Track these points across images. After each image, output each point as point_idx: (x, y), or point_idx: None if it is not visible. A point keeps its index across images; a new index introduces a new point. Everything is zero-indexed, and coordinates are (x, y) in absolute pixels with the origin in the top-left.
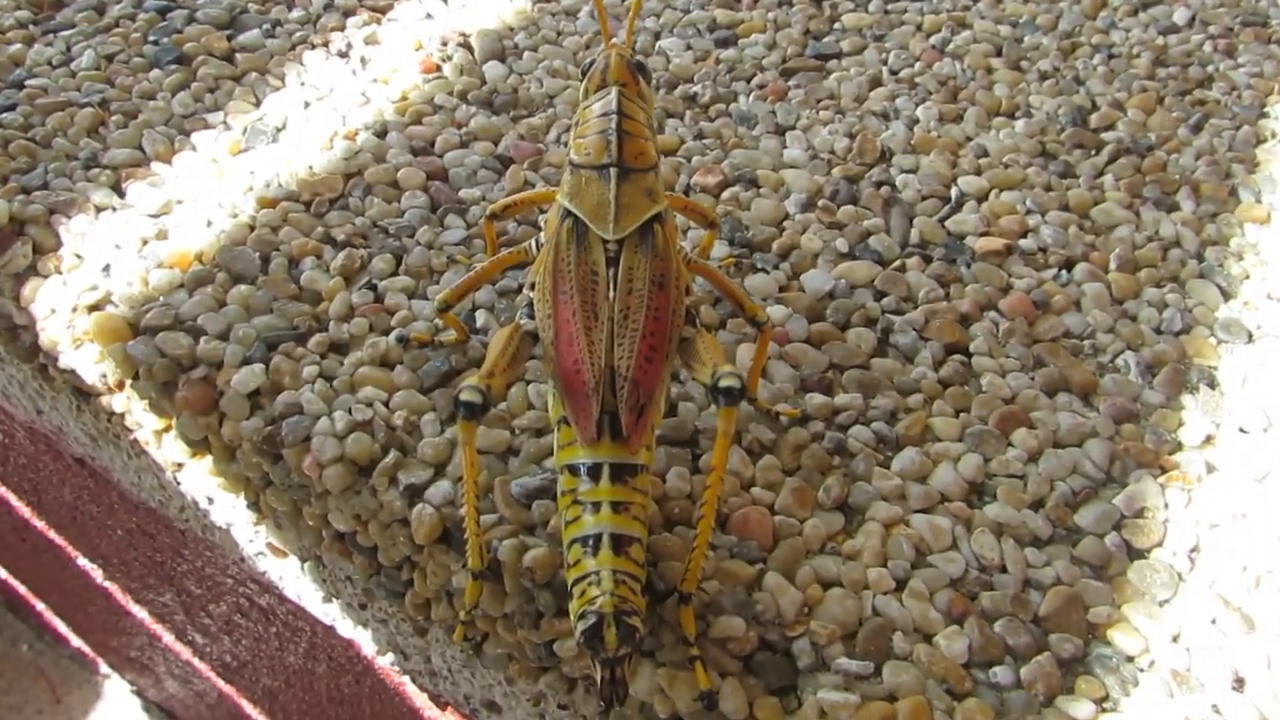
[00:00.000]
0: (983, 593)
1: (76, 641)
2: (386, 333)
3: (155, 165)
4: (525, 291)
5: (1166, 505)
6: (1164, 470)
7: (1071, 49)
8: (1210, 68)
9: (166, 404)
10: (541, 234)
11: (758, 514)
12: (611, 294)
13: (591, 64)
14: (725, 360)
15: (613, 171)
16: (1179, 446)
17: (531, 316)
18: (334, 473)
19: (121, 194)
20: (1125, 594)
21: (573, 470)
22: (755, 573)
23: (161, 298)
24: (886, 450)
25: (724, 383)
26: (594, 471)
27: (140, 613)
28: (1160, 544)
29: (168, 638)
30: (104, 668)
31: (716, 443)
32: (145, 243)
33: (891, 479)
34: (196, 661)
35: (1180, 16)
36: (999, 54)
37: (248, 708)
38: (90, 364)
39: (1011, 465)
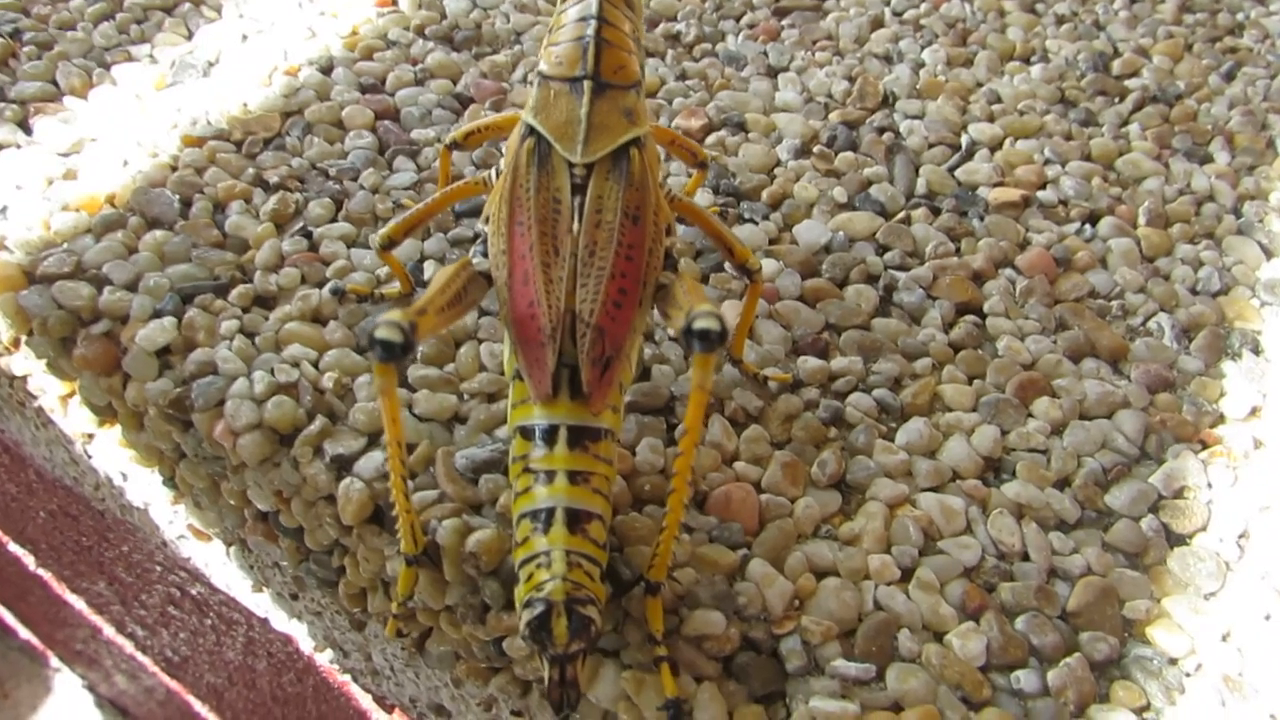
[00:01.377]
0: (1002, 584)
1: (25, 633)
2: (320, 285)
3: (69, 100)
4: (479, 225)
5: (1210, 484)
6: (1205, 445)
7: None
8: (1240, 15)
9: (65, 364)
10: (502, 161)
11: (741, 492)
12: (576, 226)
13: None
14: (704, 298)
15: (586, 85)
16: (1221, 418)
17: (485, 254)
18: (250, 441)
19: (28, 130)
20: (1165, 586)
21: (525, 433)
22: (738, 560)
23: (64, 243)
24: (890, 421)
25: (700, 324)
26: (549, 435)
27: (78, 602)
28: (1204, 528)
29: (108, 629)
30: (54, 661)
31: (690, 397)
32: (50, 183)
33: (896, 453)
34: (140, 655)
35: None
36: None
37: (196, 705)
38: None
39: (1033, 439)
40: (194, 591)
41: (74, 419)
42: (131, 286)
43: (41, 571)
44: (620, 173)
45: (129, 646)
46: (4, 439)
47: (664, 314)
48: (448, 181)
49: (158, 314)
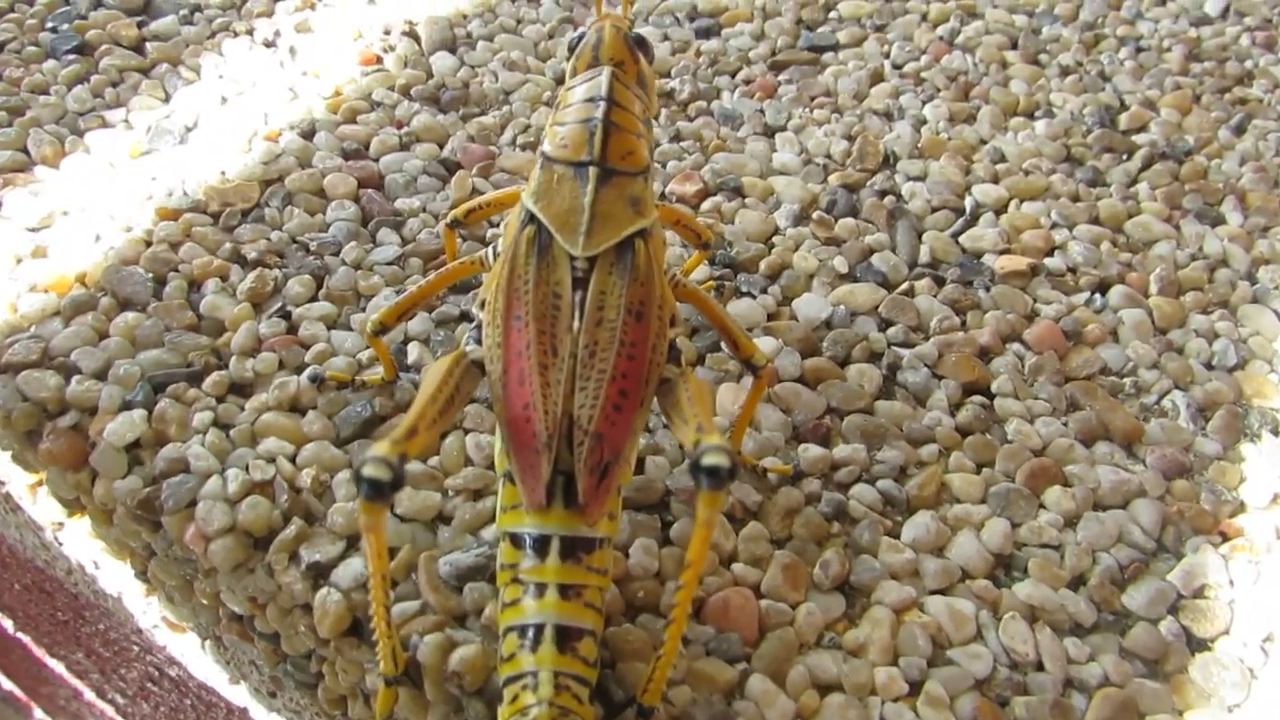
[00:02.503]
0: (1016, 698)
1: (8, 684)
2: (299, 370)
3: (40, 170)
4: (474, 310)
5: (1231, 582)
6: (1225, 537)
7: (1095, 42)
8: (1249, 63)
9: (31, 457)
10: (500, 241)
11: (740, 598)
12: (576, 324)
13: (581, 38)
14: (714, 420)
15: (592, 171)
16: (1241, 507)
17: (479, 342)
18: (222, 547)
19: None
20: (1188, 697)
21: (515, 540)
22: (736, 675)
23: (31, 327)
24: (895, 514)
25: (709, 460)
26: (540, 545)
27: (58, 666)
28: (1226, 632)
29: (89, 694)
30: (39, 713)
31: (695, 532)
32: (18, 261)
33: (902, 551)
34: None
35: (1213, 6)
36: (1014, 47)
37: None
38: None
39: (1045, 533)
40: (172, 673)
41: (43, 507)
42: (101, 375)
43: (21, 635)
44: (624, 267)
45: (110, 711)
46: None
47: (667, 416)
48: (454, 257)
49: (128, 405)
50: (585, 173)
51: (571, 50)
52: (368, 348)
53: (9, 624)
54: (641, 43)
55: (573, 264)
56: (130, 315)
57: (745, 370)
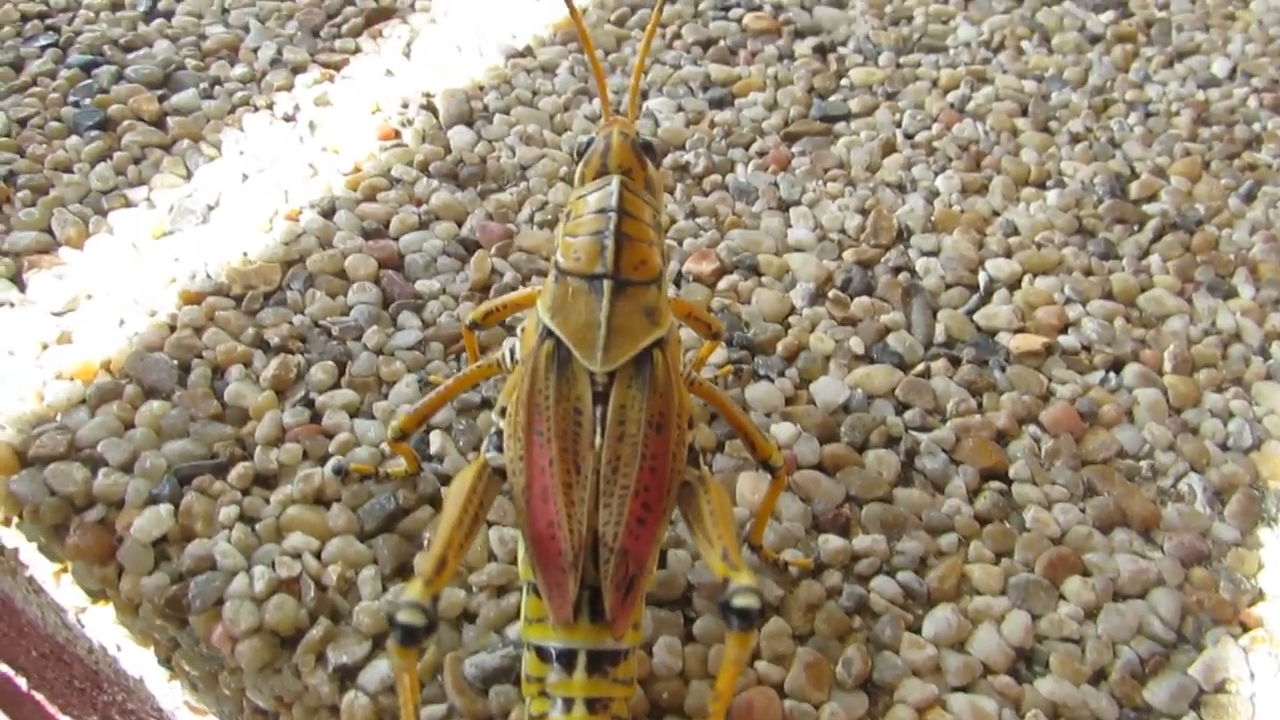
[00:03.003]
0: None
1: None
2: (323, 461)
3: (64, 251)
4: (494, 417)
5: (1252, 675)
6: (1245, 628)
7: (1104, 106)
8: (1257, 126)
9: (57, 549)
10: (517, 343)
11: (764, 699)
12: (598, 440)
13: (589, 144)
14: (739, 546)
15: (606, 285)
16: (1260, 596)
17: (499, 449)
18: (249, 647)
19: (22, 287)
20: None
21: (541, 654)
22: None
23: (58, 416)
24: (916, 608)
25: (739, 602)
26: (567, 659)
27: None
28: None
29: None
30: None
31: (723, 670)
32: (44, 348)
33: (924, 648)
34: None
35: (1220, 68)
36: (1024, 113)
37: None
38: None
39: (1065, 625)
40: None
41: (66, 592)
42: (127, 467)
43: (36, 694)
44: (643, 379)
45: None
46: None
47: (688, 527)
48: (477, 357)
49: (154, 499)
50: (600, 286)
51: (580, 155)
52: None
53: (23, 682)
54: (649, 148)
55: (592, 379)
56: (156, 404)
57: (764, 470)
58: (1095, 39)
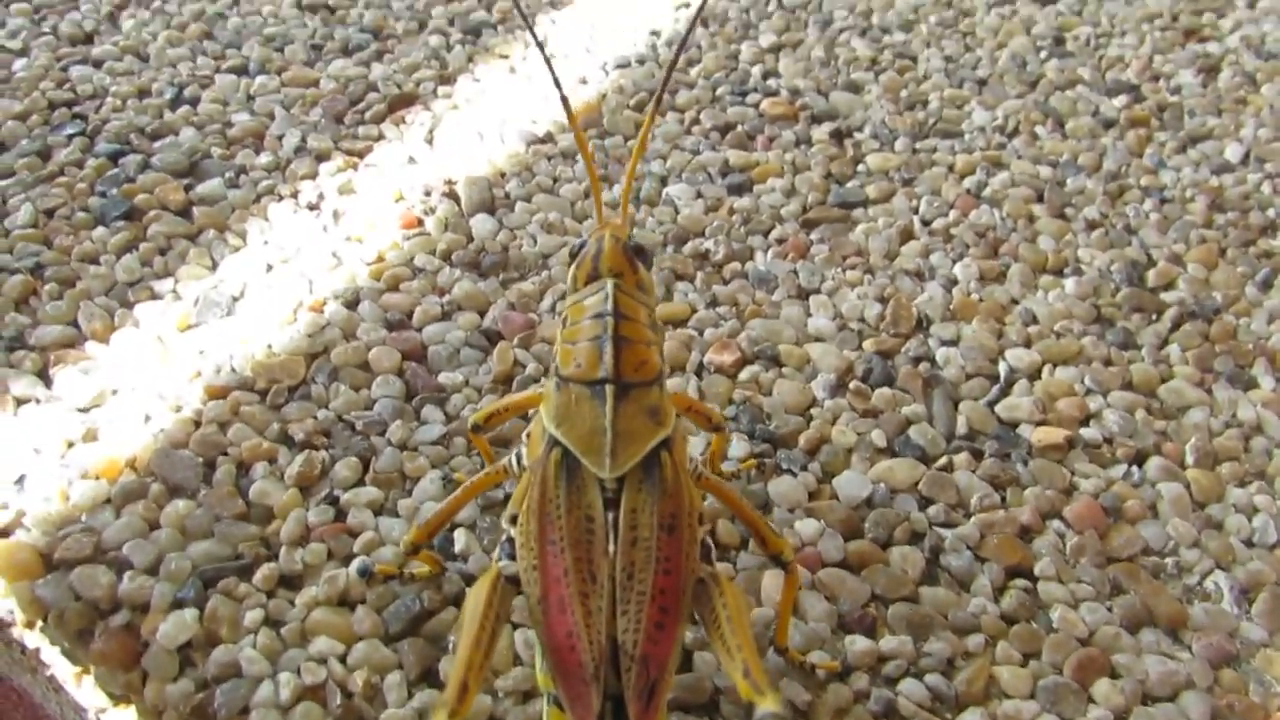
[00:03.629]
0: None
1: None
2: (348, 560)
3: (90, 345)
4: (504, 524)
5: None
6: None
7: (1119, 192)
8: (1271, 212)
9: (81, 654)
10: (524, 447)
11: None
12: (612, 547)
13: (581, 247)
14: (757, 656)
15: (608, 390)
16: None
17: (512, 557)
18: None
19: (48, 382)
20: None
21: None
22: None
23: (83, 517)
24: (945, 711)
25: None
26: None
27: None
28: None
29: None
30: None
31: None
32: (70, 446)
33: None
34: None
35: (1233, 153)
36: (1040, 199)
37: None
38: None
39: None
40: None
41: (88, 694)
42: (153, 570)
43: None
44: (652, 482)
45: None
46: (10, 684)
47: (705, 630)
48: (491, 459)
49: (179, 603)
50: (602, 391)
51: (573, 257)
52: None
53: None
54: (640, 251)
55: (602, 485)
56: (181, 504)
57: (774, 565)
58: (1109, 124)
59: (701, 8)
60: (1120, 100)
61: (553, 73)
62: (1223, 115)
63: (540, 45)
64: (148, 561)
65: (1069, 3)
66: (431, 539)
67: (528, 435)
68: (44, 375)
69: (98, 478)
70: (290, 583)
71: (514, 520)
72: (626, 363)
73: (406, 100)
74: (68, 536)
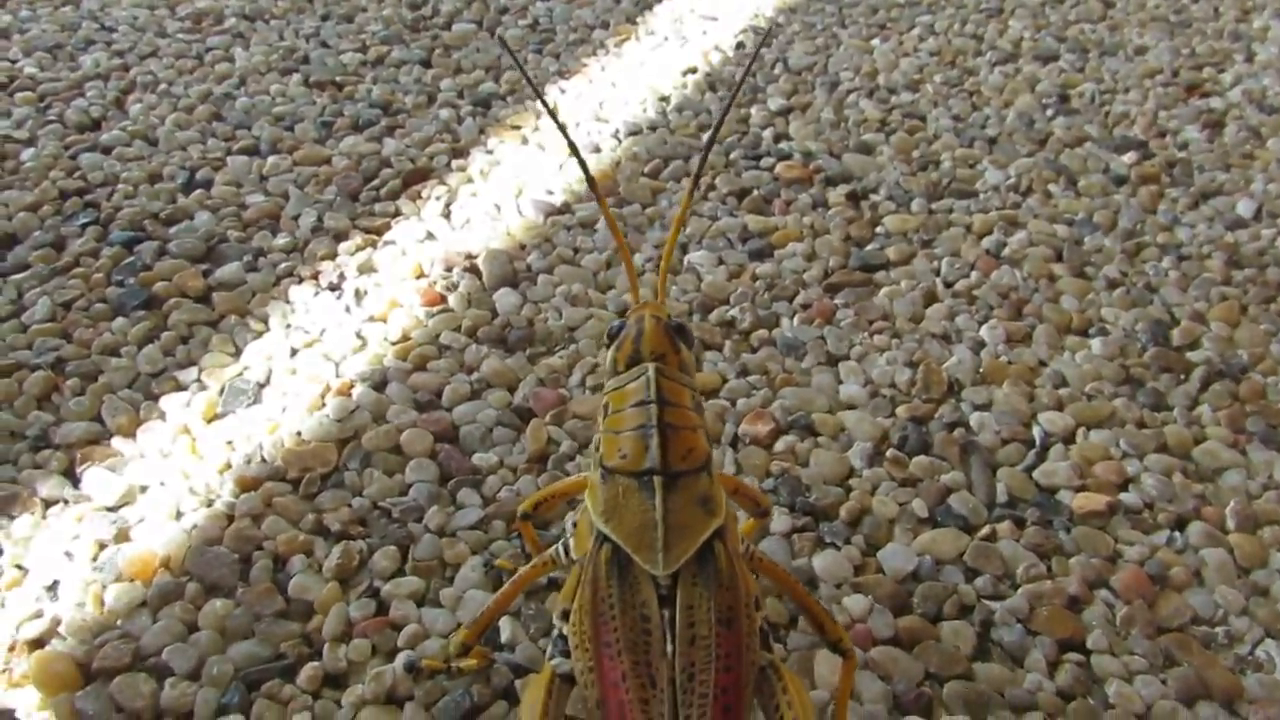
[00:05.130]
0: None
1: None
2: (392, 655)
3: (116, 441)
4: (555, 621)
5: None
6: None
7: (1137, 250)
8: None
9: None
10: (570, 538)
11: None
12: (670, 647)
13: (620, 329)
14: None
15: (657, 481)
16: None
17: (565, 654)
18: None
19: (76, 482)
20: None
21: None
22: None
23: (120, 622)
24: None
25: None
26: None
27: None
28: None
29: None
30: None
31: None
32: (102, 547)
33: None
34: None
35: (1245, 208)
36: (1060, 258)
37: None
38: (33, 709)
39: None
40: None
41: None
42: (194, 675)
43: None
44: (707, 575)
45: None
46: None
47: (763, 710)
48: (538, 549)
49: (223, 709)
50: (650, 483)
51: (611, 339)
52: (459, 625)
53: None
54: (681, 330)
55: (655, 582)
56: (219, 603)
57: (831, 651)
58: (1120, 180)
59: (743, 80)
60: (1129, 157)
61: (569, 139)
62: (1231, 170)
63: (552, 114)
64: (189, 666)
65: (1070, 59)
66: (481, 638)
67: (574, 525)
68: (71, 474)
69: (132, 580)
70: (335, 682)
71: (565, 616)
72: (674, 451)
73: (420, 175)
74: (105, 644)
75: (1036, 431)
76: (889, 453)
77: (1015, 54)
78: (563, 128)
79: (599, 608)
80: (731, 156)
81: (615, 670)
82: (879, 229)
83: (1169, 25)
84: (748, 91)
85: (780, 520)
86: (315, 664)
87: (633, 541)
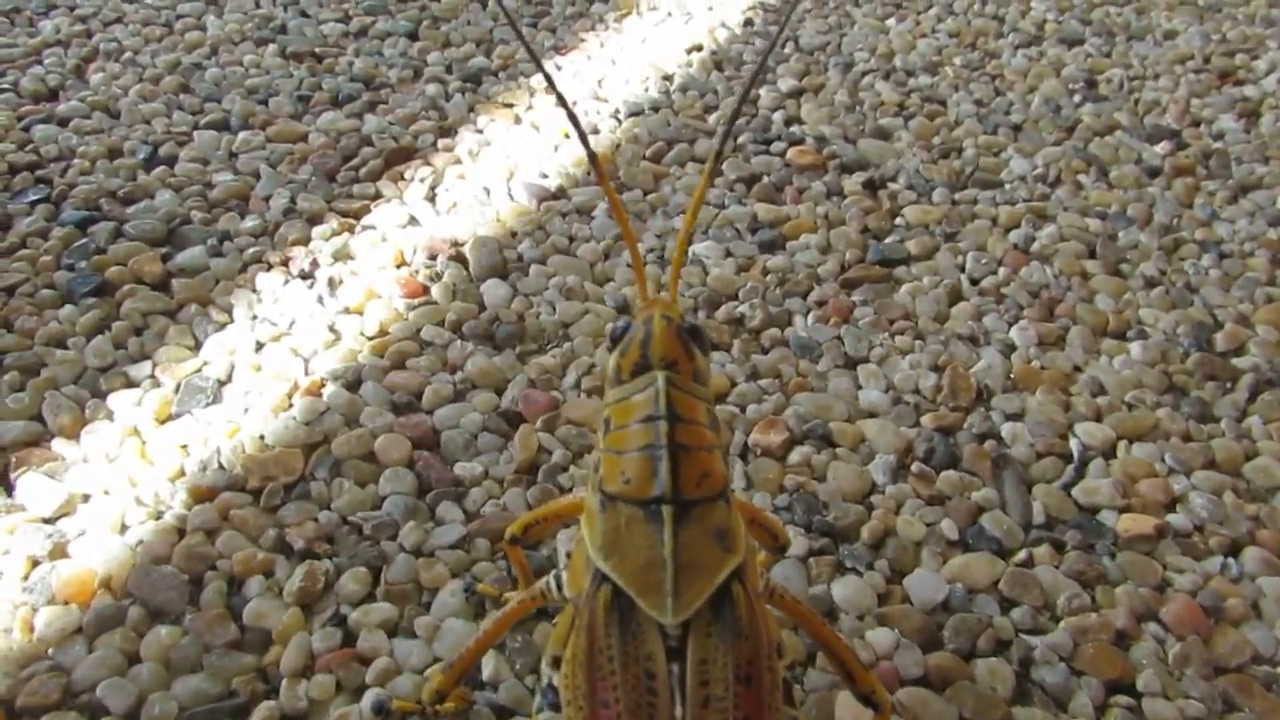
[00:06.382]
0: None
1: None
2: (359, 693)
3: (57, 443)
4: (545, 669)
5: None
6: None
7: (1175, 246)
8: None
9: None
10: (563, 571)
11: None
12: (680, 710)
13: (625, 331)
14: None
15: (666, 511)
16: None
17: (555, 707)
18: None
19: (9, 489)
20: None
21: None
22: None
23: (50, 651)
24: None
25: None
26: None
27: None
28: None
29: None
30: None
31: None
32: (34, 565)
33: None
34: None
35: None
36: (1093, 255)
37: None
38: None
39: None
40: None
41: None
42: (132, 715)
43: None
44: (724, 623)
45: None
46: None
47: None
48: (527, 578)
49: None
50: (658, 513)
51: (615, 342)
52: (436, 660)
53: None
54: (696, 334)
55: (663, 631)
56: (164, 631)
57: (862, 704)
58: (1154, 172)
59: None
60: (1162, 147)
61: (569, 111)
62: (1270, 163)
63: (551, 82)
64: (126, 705)
65: (1096, 43)
66: (459, 683)
67: (569, 559)
68: (4, 480)
69: (67, 603)
70: None
71: (556, 663)
72: (686, 477)
73: (404, 155)
74: (32, 677)
75: (1074, 444)
76: (914, 466)
77: (1039, 36)
78: (563, 99)
79: (595, 660)
80: (740, 141)
81: None
82: (898, 220)
83: (1198, 9)
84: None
85: (796, 542)
86: (271, 703)
87: (637, 583)
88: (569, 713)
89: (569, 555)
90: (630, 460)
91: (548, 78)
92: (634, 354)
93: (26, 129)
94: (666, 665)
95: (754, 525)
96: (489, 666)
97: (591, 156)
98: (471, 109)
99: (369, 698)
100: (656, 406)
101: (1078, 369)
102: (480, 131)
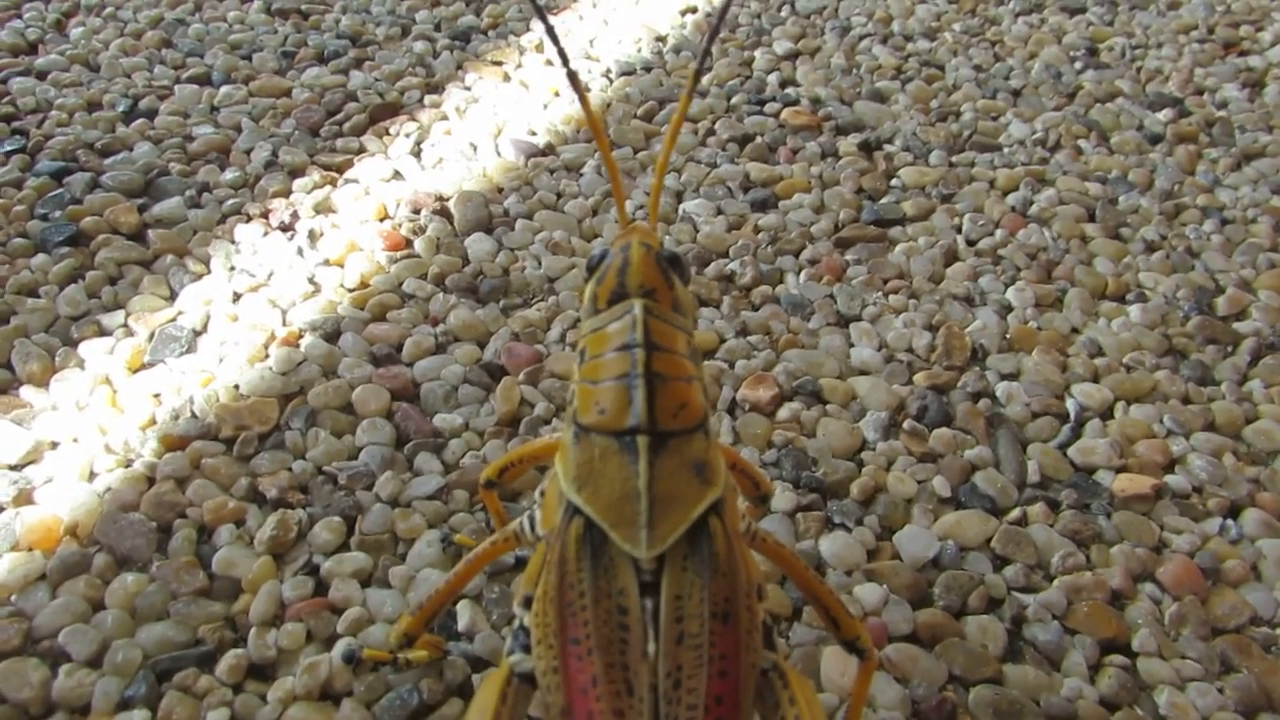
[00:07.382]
0: None
1: None
2: (330, 643)
3: (25, 391)
4: (516, 609)
5: None
6: None
7: (1175, 212)
8: None
9: None
10: (538, 510)
11: None
12: (652, 647)
13: (602, 258)
14: None
15: (641, 441)
16: None
17: (526, 649)
18: None
19: None
20: None
21: None
22: None
23: (13, 598)
24: None
25: None
26: None
27: None
28: None
29: None
30: None
31: None
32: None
33: None
34: None
35: None
36: (1092, 219)
37: None
38: None
39: None
40: None
41: None
42: (95, 662)
43: None
44: (700, 558)
45: None
46: None
47: None
48: (502, 521)
49: (127, 703)
50: (633, 444)
51: (591, 270)
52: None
53: None
54: (675, 262)
55: (637, 566)
56: (130, 578)
57: (850, 654)
58: (1155, 138)
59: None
60: (1165, 114)
61: (566, 61)
62: (1274, 131)
63: (550, 30)
64: (89, 652)
65: (1098, 12)
66: (427, 626)
67: (542, 494)
68: None
69: (30, 549)
70: (261, 673)
71: (527, 604)
72: (663, 406)
73: (389, 110)
74: None
75: (1070, 405)
76: (906, 424)
77: (1040, 4)
78: (564, 54)
79: (566, 596)
80: (733, 101)
81: (584, 673)
82: (894, 182)
83: None
84: (751, 34)
85: (783, 497)
86: (239, 651)
87: (610, 515)
88: (539, 651)
89: (542, 494)
90: (605, 390)
91: (550, 30)
92: (611, 281)
93: (3, 81)
94: (640, 601)
95: (735, 471)
96: (464, 617)
97: (579, 90)
98: (460, 66)
99: (340, 647)
100: (633, 334)
101: (1075, 330)
102: (468, 89)
